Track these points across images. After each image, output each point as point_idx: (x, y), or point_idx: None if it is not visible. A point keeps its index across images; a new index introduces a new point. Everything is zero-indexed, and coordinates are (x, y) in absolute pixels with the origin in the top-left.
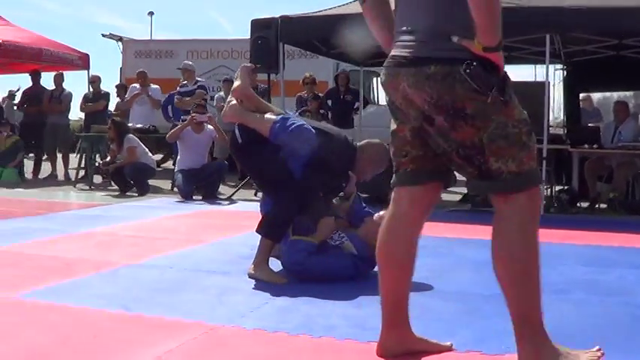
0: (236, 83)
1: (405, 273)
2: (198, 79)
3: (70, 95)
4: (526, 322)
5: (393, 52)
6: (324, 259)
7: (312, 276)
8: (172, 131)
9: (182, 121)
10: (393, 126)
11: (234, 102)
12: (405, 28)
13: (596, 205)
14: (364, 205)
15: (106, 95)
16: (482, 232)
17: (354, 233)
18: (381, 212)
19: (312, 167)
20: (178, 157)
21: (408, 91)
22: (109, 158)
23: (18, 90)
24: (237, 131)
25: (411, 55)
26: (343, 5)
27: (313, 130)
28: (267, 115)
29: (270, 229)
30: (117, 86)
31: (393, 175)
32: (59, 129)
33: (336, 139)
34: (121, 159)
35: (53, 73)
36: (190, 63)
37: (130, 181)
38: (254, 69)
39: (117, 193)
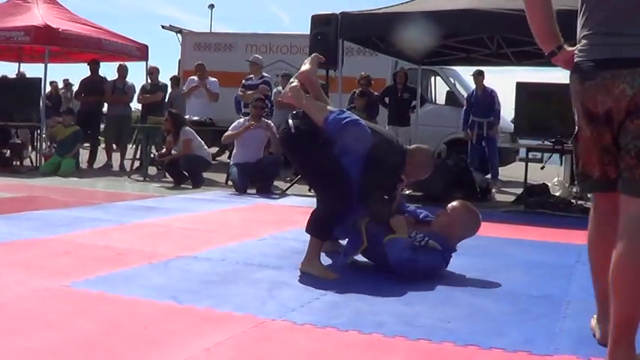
0: (304, 67)
1: None
2: (264, 74)
3: (133, 87)
4: (630, 323)
5: (600, 55)
6: (427, 254)
7: (419, 273)
8: (227, 134)
9: (243, 114)
10: (586, 134)
11: (296, 83)
12: (618, 29)
13: None
14: (407, 205)
15: (164, 87)
16: (535, 233)
17: (428, 231)
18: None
19: (369, 166)
20: (234, 151)
21: (628, 92)
22: (164, 150)
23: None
24: (290, 121)
25: (637, 56)
26: (403, 3)
27: (368, 129)
28: (322, 104)
29: (317, 227)
30: (171, 79)
31: (583, 182)
32: (123, 120)
33: (388, 140)
34: (177, 151)
35: (111, 64)
36: (259, 57)
37: (185, 173)
38: (323, 62)
39: (171, 185)
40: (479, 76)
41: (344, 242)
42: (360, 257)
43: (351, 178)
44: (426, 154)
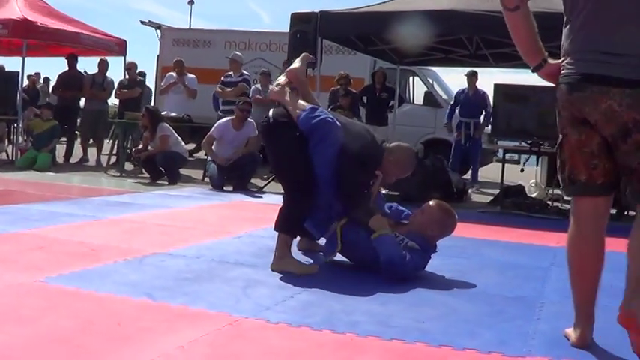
0: (294, 65)
1: None
2: (244, 71)
3: (112, 82)
4: None
5: (589, 70)
6: (412, 254)
7: (406, 272)
8: (207, 139)
9: (221, 112)
10: (572, 139)
11: (284, 80)
12: (608, 49)
13: (628, 213)
14: (390, 204)
15: (142, 82)
16: (510, 235)
17: (406, 231)
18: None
19: (342, 163)
20: (212, 148)
21: (616, 109)
22: (141, 146)
23: None
24: (271, 112)
25: (627, 77)
26: (383, 3)
27: (339, 125)
28: (302, 102)
29: (284, 224)
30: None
31: (570, 186)
32: (100, 115)
33: (364, 136)
34: (154, 147)
35: (89, 58)
36: (239, 54)
37: (161, 169)
38: (313, 62)
39: (147, 181)
40: (472, 77)
41: (320, 241)
42: (339, 256)
43: (321, 175)
44: (405, 152)
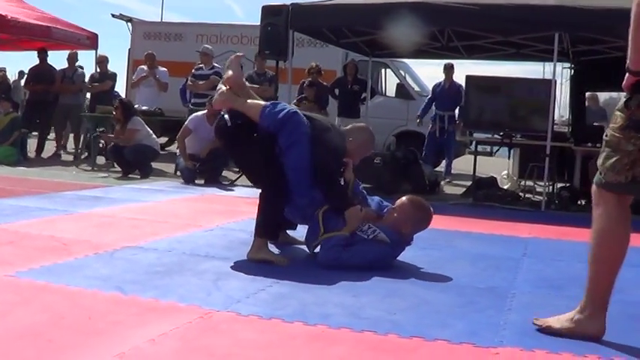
0: (228, 72)
1: None
2: (215, 64)
3: (82, 75)
4: None
5: None
6: (359, 248)
7: (351, 267)
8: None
9: (192, 105)
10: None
11: (224, 88)
12: None
13: None
14: (362, 189)
15: (113, 76)
16: (482, 226)
17: (380, 224)
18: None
19: (314, 152)
20: (187, 141)
21: None
22: (111, 135)
23: None
24: (226, 115)
25: None
26: None
27: (304, 117)
28: (255, 101)
29: (263, 230)
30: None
31: (630, 184)
32: (72, 109)
33: (326, 125)
34: (124, 140)
35: (60, 52)
36: (210, 47)
37: (132, 163)
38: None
39: (119, 175)
40: (449, 70)
41: (293, 234)
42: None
43: (298, 168)
44: (364, 132)
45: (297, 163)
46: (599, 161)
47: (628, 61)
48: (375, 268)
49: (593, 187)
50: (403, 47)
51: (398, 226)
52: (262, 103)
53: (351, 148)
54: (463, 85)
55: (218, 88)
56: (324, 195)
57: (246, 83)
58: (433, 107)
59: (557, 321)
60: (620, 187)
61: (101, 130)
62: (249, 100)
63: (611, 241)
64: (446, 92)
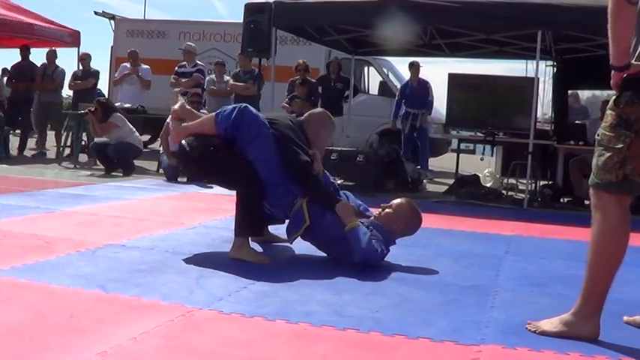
0: (173, 107)
1: None
2: (198, 62)
3: (62, 73)
4: None
5: None
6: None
7: (381, 259)
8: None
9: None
10: None
11: (175, 123)
12: None
13: (584, 202)
14: (333, 180)
15: (96, 73)
16: (465, 224)
17: (374, 221)
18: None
19: (280, 147)
20: (169, 138)
21: None
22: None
23: None
24: (184, 142)
25: None
26: None
27: (256, 111)
28: (206, 116)
29: (243, 229)
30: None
31: (623, 184)
32: (52, 107)
33: (283, 117)
34: (107, 137)
35: (42, 49)
36: (192, 45)
37: (115, 160)
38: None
39: (102, 173)
40: (414, 68)
41: (274, 230)
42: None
43: (267, 162)
44: (319, 116)
45: (264, 154)
46: (593, 161)
47: (611, 58)
48: (358, 266)
49: (590, 190)
50: (386, 45)
51: (391, 224)
52: (211, 114)
53: (312, 138)
54: (441, 82)
55: (168, 123)
56: (306, 194)
57: (231, 81)
58: (403, 106)
59: (550, 324)
60: (613, 186)
61: (89, 109)
62: (197, 120)
63: (611, 244)
64: (415, 90)
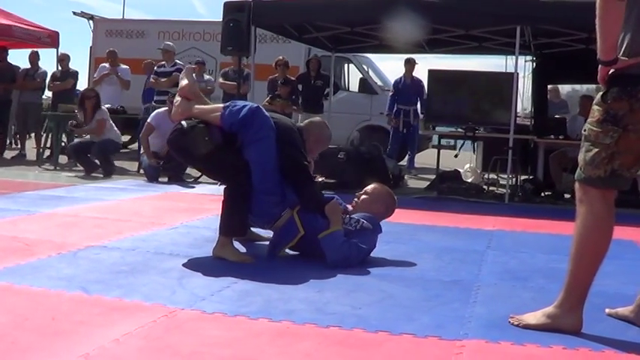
0: (182, 83)
1: None
2: (177, 61)
3: (45, 74)
4: None
5: None
6: (358, 241)
7: (357, 262)
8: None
9: (155, 102)
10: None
11: (180, 100)
12: None
13: (564, 196)
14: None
15: (75, 74)
16: (446, 219)
17: (355, 211)
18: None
19: (281, 149)
20: (150, 138)
21: None
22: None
23: None
24: (183, 122)
25: None
26: None
27: (266, 112)
28: (214, 105)
29: (229, 229)
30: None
31: (610, 178)
32: (32, 107)
33: (286, 121)
34: (89, 131)
35: (21, 51)
36: (171, 44)
37: (96, 160)
38: (197, 69)
39: (82, 174)
40: (409, 64)
41: (257, 230)
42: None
43: (266, 166)
44: (321, 127)
45: (264, 157)
46: (580, 156)
47: (598, 53)
48: (355, 263)
49: (576, 184)
50: (366, 42)
51: (370, 208)
52: (220, 105)
53: (310, 147)
54: (423, 79)
55: (175, 100)
56: (299, 195)
57: (220, 79)
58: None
59: (534, 317)
60: (600, 181)
61: (72, 123)
62: (206, 106)
63: (595, 237)
64: (408, 87)
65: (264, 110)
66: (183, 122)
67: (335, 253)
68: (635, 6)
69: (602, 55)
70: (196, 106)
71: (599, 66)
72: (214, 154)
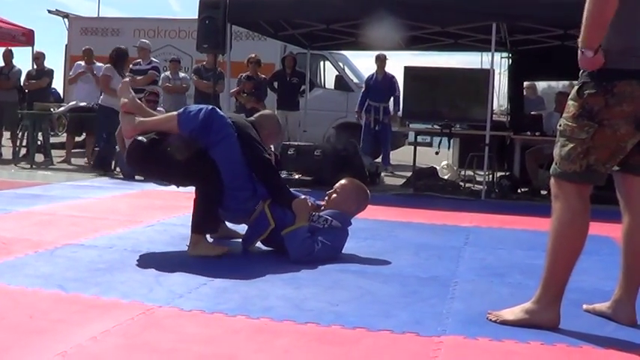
0: (123, 100)
1: None
2: (153, 59)
3: (19, 72)
4: None
5: None
6: (325, 238)
7: (321, 259)
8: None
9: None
10: (620, 132)
11: (126, 116)
12: None
13: (541, 192)
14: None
15: (50, 72)
16: (423, 216)
17: (325, 208)
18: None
19: (243, 145)
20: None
21: None
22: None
23: None
24: (140, 137)
25: None
26: None
27: (220, 111)
28: (165, 114)
29: (201, 226)
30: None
31: (585, 173)
32: (7, 106)
33: (244, 122)
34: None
35: None
36: (147, 42)
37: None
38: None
39: (56, 172)
40: (382, 61)
41: (231, 225)
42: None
43: (226, 159)
44: (273, 119)
45: (230, 155)
46: (555, 151)
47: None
48: (319, 259)
49: (551, 179)
50: (342, 39)
51: (341, 207)
52: (172, 113)
53: (263, 139)
54: (396, 75)
55: (120, 117)
56: (268, 189)
57: (194, 77)
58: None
59: (511, 313)
60: (576, 176)
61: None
62: (157, 117)
63: (571, 233)
64: (379, 83)
65: (218, 110)
66: (140, 137)
67: (297, 249)
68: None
69: (588, 42)
70: (147, 119)
71: (583, 53)
72: (185, 162)
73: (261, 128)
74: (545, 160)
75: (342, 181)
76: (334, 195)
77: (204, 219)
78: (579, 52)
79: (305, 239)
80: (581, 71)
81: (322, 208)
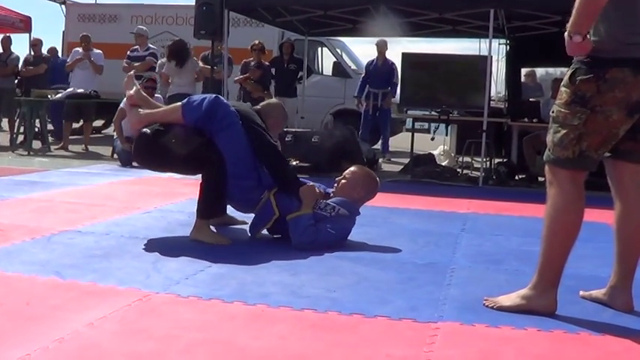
0: (128, 92)
1: None
2: (151, 45)
3: (17, 59)
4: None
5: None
6: (330, 227)
7: (324, 246)
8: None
9: None
10: (612, 119)
11: (133, 109)
12: None
13: (538, 179)
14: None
15: (47, 59)
16: (421, 203)
17: (334, 198)
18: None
19: (249, 132)
20: (122, 123)
21: None
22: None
23: None
24: (146, 129)
25: None
26: None
27: (224, 99)
28: (171, 106)
29: (207, 212)
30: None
31: (578, 159)
32: (4, 93)
33: (249, 110)
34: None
35: None
36: (144, 28)
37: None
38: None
39: (55, 159)
40: (382, 46)
41: (232, 213)
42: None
43: (232, 144)
44: (279, 108)
45: (235, 143)
46: (548, 137)
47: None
48: (322, 246)
49: (546, 166)
50: (340, 25)
51: (350, 194)
52: (177, 104)
53: (269, 126)
54: (396, 62)
55: (127, 110)
56: (273, 175)
57: (201, 63)
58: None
59: (508, 299)
60: (569, 163)
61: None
62: (162, 109)
63: (565, 219)
64: (379, 70)
65: (222, 99)
66: (146, 129)
67: (300, 235)
68: None
69: (577, 27)
70: (153, 111)
71: (572, 39)
72: (190, 150)
73: (267, 117)
74: (542, 147)
75: (352, 168)
76: (343, 181)
77: (207, 204)
78: (567, 37)
79: (308, 226)
80: (575, 58)
81: (331, 195)
